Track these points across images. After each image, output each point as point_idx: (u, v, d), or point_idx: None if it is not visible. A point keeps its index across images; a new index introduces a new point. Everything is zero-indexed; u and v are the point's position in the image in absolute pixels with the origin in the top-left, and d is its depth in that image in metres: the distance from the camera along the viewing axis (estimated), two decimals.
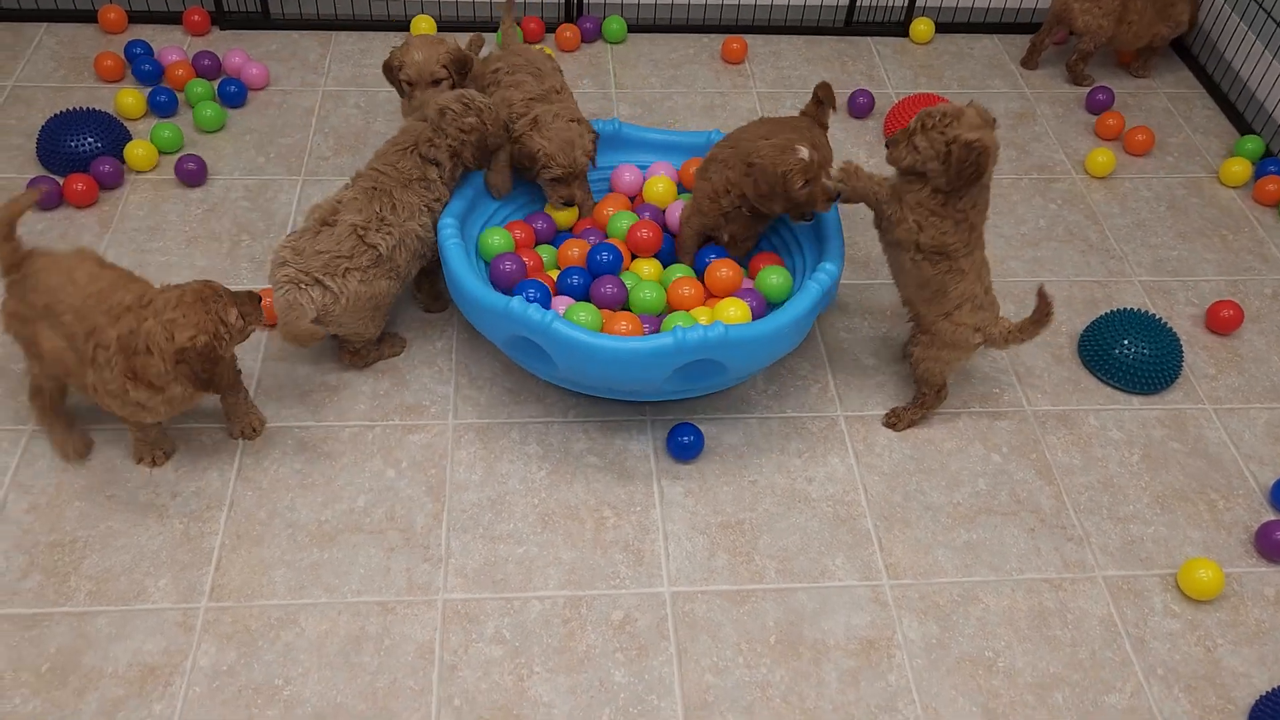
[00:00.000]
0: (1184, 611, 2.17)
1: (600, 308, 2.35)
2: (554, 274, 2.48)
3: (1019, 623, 2.13)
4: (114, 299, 2.03)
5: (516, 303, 2.15)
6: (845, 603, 2.14)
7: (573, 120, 2.51)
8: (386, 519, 2.22)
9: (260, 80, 3.28)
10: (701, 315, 2.32)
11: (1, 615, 2.01)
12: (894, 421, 2.47)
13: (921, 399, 2.45)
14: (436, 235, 2.39)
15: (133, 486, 2.23)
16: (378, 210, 2.31)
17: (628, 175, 2.67)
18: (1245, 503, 2.37)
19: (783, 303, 2.33)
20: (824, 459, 2.40)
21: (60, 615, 2.02)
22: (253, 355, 2.51)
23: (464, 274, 2.26)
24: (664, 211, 2.62)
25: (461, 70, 2.60)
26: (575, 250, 2.49)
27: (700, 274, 2.47)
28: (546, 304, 2.31)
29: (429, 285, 2.61)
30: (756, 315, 2.34)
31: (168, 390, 2.03)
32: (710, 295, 2.42)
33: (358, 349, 2.46)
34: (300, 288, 2.22)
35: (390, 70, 2.60)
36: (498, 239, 2.44)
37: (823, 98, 2.51)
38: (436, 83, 2.56)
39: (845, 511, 2.30)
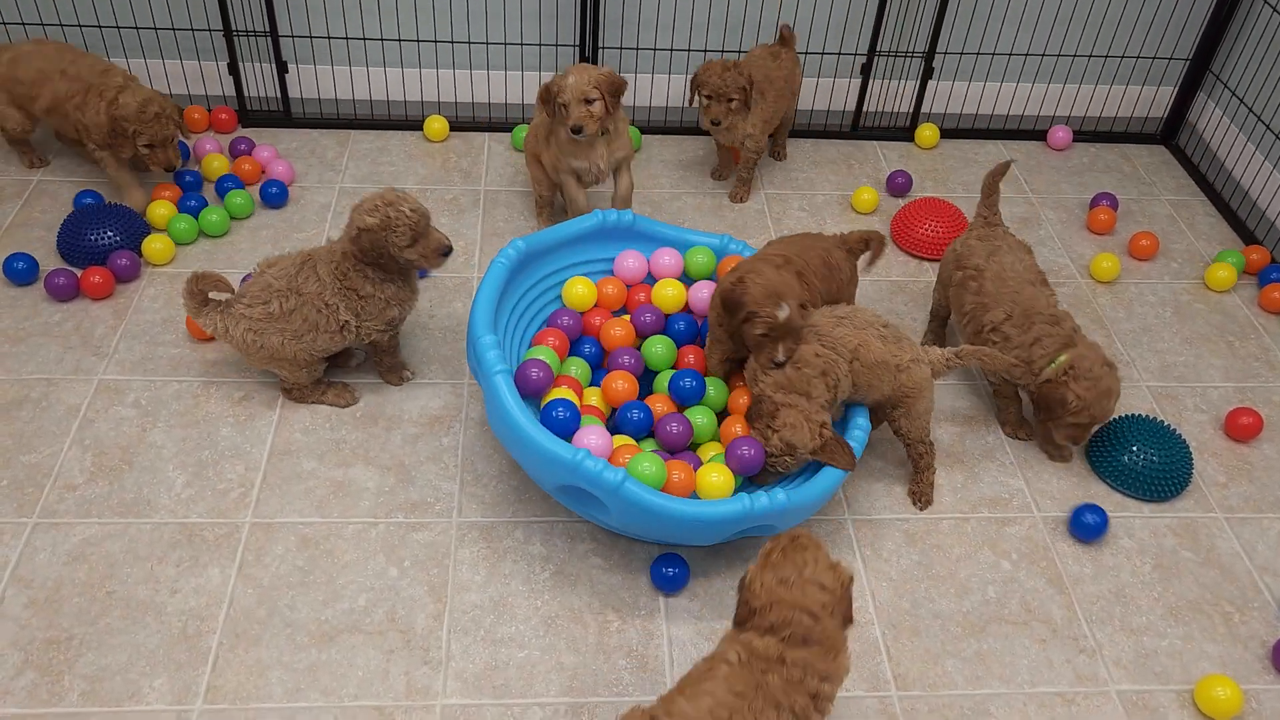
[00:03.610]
0: None
1: (666, 446, 2.36)
2: (594, 398, 2.45)
3: None
4: None
5: (585, 457, 2.07)
6: (853, 715, 2.09)
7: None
8: (387, 619, 2.19)
9: (287, 176, 3.37)
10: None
11: None
12: (924, 502, 2.52)
13: (923, 462, 2.51)
14: (355, 326, 2.52)
15: (132, 582, 2.21)
16: (297, 277, 2.47)
17: (631, 261, 2.68)
18: (1260, 616, 2.33)
19: None
20: None
21: (52, 717, 1.98)
22: (259, 449, 2.51)
23: (520, 420, 2.15)
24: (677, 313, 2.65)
25: (615, 92, 2.88)
26: (621, 383, 2.43)
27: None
28: (576, 425, 2.26)
29: (380, 360, 2.69)
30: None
31: None
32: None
33: (287, 387, 2.61)
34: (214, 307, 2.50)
35: (548, 94, 2.86)
36: (542, 357, 2.39)
37: (872, 244, 2.66)
38: (589, 101, 2.82)
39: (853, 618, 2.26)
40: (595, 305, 2.65)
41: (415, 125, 3.68)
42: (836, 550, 2.39)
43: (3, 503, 2.34)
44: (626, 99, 3.80)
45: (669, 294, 2.62)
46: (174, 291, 2.93)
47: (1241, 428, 2.71)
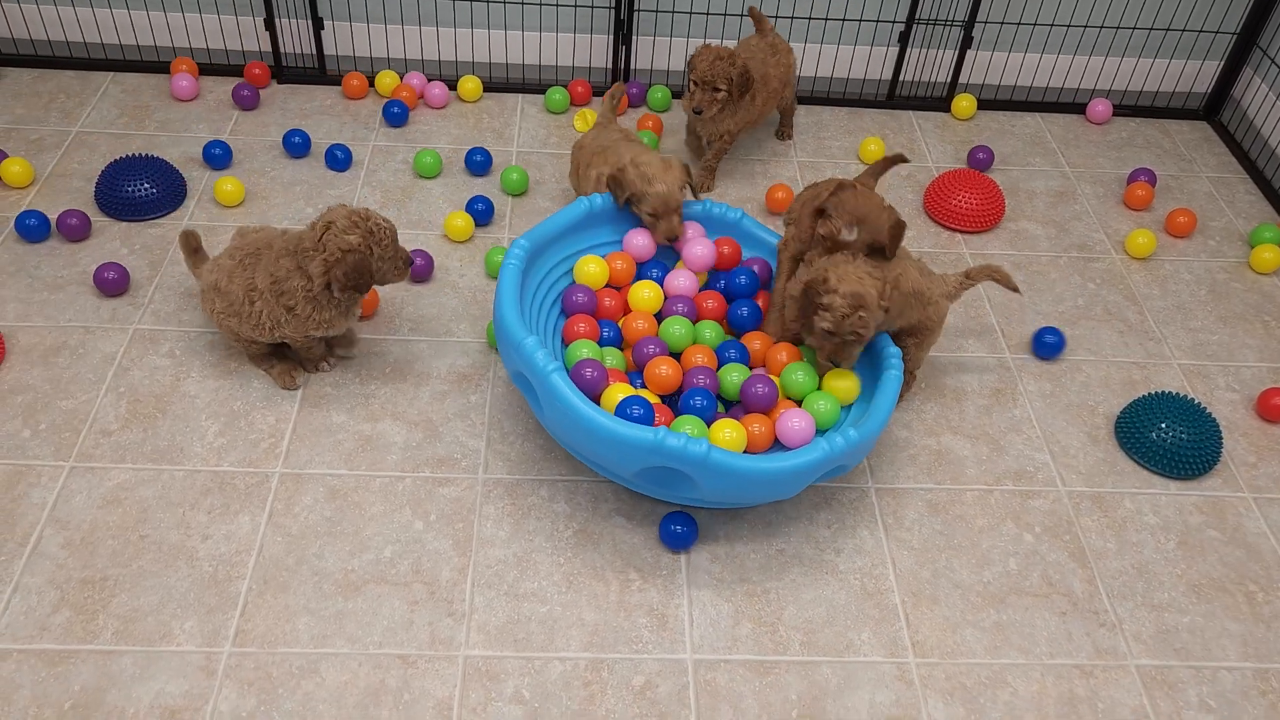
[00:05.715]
0: (1220, 706, 2.11)
1: (753, 409, 2.36)
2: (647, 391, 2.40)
3: (1048, 710, 2.09)
4: None
5: (666, 434, 2.06)
6: (870, 679, 2.11)
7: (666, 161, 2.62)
8: (412, 571, 2.22)
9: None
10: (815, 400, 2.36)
11: (30, 650, 2.03)
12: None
13: (904, 382, 2.62)
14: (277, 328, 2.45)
15: (165, 527, 2.26)
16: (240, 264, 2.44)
17: (640, 239, 2.64)
18: None
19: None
20: (853, 531, 2.38)
21: (86, 653, 2.04)
22: (289, 402, 2.55)
23: (591, 412, 2.10)
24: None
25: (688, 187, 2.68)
26: (665, 368, 2.36)
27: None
28: (651, 418, 2.22)
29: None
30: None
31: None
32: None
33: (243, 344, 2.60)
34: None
35: (620, 190, 2.59)
36: (586, 351, 2.38)
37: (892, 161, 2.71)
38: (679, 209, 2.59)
39: (873, 585, 2.27)
40: (607, 284, 2.61)
41: (449, 85, 3.67)
42: (858, 516, 2.40)
43: (41, 446, 2.40)
44: (660, 63, 3.79)
45: (645, 296, 2.56)
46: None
47: (1274, 408, 2.68)
